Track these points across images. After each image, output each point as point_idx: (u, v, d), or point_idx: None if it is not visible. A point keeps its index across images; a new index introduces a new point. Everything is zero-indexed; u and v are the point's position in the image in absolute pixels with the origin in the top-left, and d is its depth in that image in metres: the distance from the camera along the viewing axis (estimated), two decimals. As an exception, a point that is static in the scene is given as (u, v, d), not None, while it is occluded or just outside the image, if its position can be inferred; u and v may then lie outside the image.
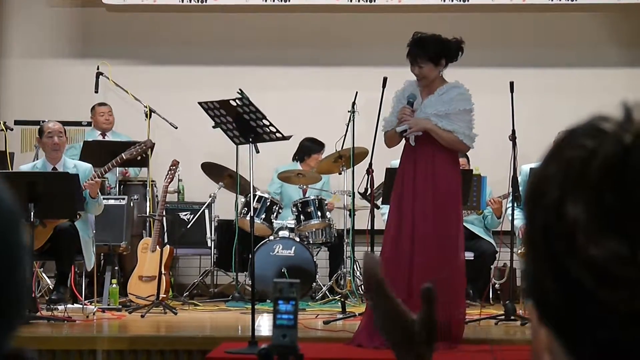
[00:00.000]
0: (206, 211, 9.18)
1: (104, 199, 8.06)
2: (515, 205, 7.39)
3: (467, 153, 9.11)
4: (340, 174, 8.87)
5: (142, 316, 7.33)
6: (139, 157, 8.09)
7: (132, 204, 8.75)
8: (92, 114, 9.66)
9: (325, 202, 8.86)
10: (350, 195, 8.31)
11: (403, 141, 6.04)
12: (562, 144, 0.90)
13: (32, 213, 6.78)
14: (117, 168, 8.68)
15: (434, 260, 5.76)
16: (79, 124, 9.61)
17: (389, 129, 6.05)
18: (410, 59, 5.98)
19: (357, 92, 8.29)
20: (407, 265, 5.76)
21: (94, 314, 7.23)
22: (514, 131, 7.33)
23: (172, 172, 8.30)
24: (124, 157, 7.83)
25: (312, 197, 8.84)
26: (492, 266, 8.74)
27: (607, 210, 0.84)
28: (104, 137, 9.52)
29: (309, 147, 9.47)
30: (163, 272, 7.96)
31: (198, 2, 10.16)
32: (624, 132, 0.87)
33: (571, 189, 0.86)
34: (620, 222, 0.84)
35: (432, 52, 5.95)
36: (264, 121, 6.32)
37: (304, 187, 9.19)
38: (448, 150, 5.99)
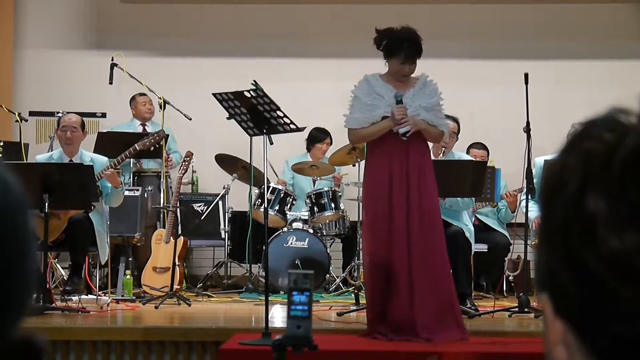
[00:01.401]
0: (220, 202, 9.19)
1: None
2: (529, 197, 7.36)
3: (487, 145, 9.10)
4: (354, 165, 8.87)
5: (156, 307, 7.34)
6: (152, 148, 8.10)
7: (146, 195, 8.77)
8: (133, 105, 9.62)
9: (339, 193, 8.84)
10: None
11: (382, 136, 5.99)
12: (580, 136, 0.90)
13: (46, 204, 6.80)
14: (132, 159, 8.71)
15: (430, 247, 5.82)
16: (93, 115, 9.61)
17: (363, 126, 5.95)
18: (407, 56, 5.92)
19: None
20: (406, 255, 5.79)
21: (108, 304, 7.25)
22: (528, 123, 7.30)
23: (186, 163, 8.31)
24: (137, 148, 7.84)
25: (326, 189, 8.83)
26: (505, 258, 8.74)
27: (629, 204, 0.84)
28: (144, 129, 9.48)
29: (314, 136, 9.44)
30: (177, 263, 7.97)
31: (212, -7, 10.18)
32: None
33: (592, 182, 0.86)
34: (639, 218, 0.83)
35: (420, 50, 5.99)
36: (278, 112, 6.32)
37: (316, 178, 9.20)
38: (427, 143, 6.13)
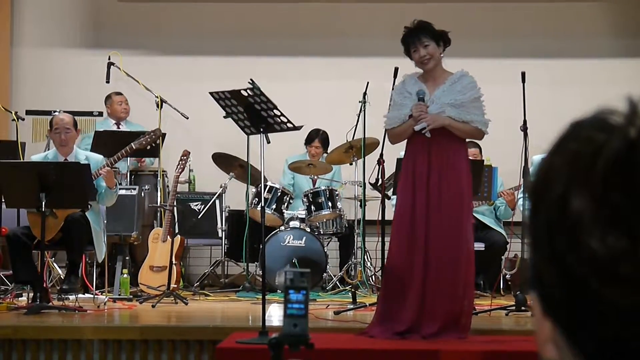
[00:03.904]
0: (217, 201, 9.19)
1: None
2: (526, 196, 7.37)
3: (479, 143, 9.12)
4: (351, 164, 8.87)
5: (153, 306, 7.34)
6: (148, 147, 8.09)
7: (143, 194, 8.77)
8: (109, 103, 9.67)
9: (336, 192, 8.85)
10: (361, 186, 8.30)
11: (411, 136, 5.96)
12: (567, 137, 0.90)
13: (43, 203, 6.79)
14: (130, 158, 8.71)
15: (448, 253, 5.74)
16: (90, 114, 9.62)
17: (394, 126, 5.94)
18: (412, 41, 5.90)
19: (368, 83, 8.27)
20: (422, 259, 5.73)
21: (105, 303, 7.25)
22: (525, 122, 7.30)
23: (183, 162, 8.31)
24: (134, 147, 7.83)
25: (323, 188, 8.84)
26: (502, 257, 8.74)
27: (611, 206, 0.84)
28: (118, 127, 9.52)
29: (309, 136, 9.45)
30: (174, 262, 7.97)
31: (209, -8, 10.17)
32: (630, 126, 0.86)
33: (576, 183, 0.86)
34: (624, 218, 0.83)
35: (434, 32, 5.94)
36: (275, 111, 6.31)
37: (314, 177, 9.20)
38: (461, 141, 5.95)
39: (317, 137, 9.40)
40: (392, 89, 6.16)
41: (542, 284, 0.89)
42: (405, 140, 5.98)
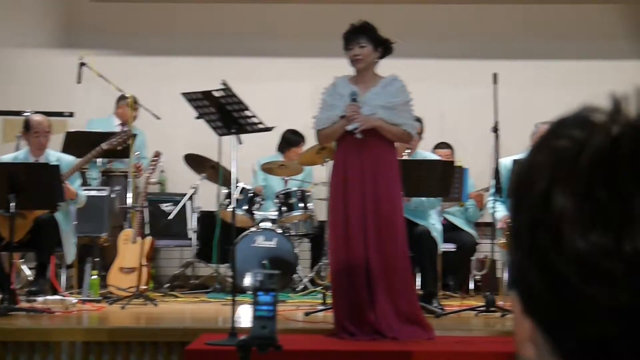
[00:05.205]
0: (188, 202, 9.16)
1: (85, 189, 8.05)
2: (496, 197, 7.40)
3: (452, 145, 9.15)
4: (323, 165, 8.86)
5: (122, 308, 7.31)
6: (119, 147, 8.05)
7: (113, 195, 8.72)
8: (121, 104, 9.44)
9: (308, 193, 8.85)
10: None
11: (342, 136, 6.01)
12: (550, 134, 0.89)
13: (12, 204, 6.75)
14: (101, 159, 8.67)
15: (388, 251, 5.81)
16: (60, 114, 9.56)
17: (324, 126, 6.02)
18: (351, 38, 6.00)
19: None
20: (363, 260, 5.80)
21: (74, 305, 7.20)
22: (496, 123, 7.32)
23: (154, 163, 8.28)
24: (104, 148, 7.80)
25: (295, 189, 8.84)
26: (472, 258, 8.77)
27: (595, 203, 0.84)
28: (122, 128, 9.35)
29: (290, 139, 9.48)
30: (144, 263, 7.93)
31: (181, -8, 10.14)
32: (613, 124, 0.86)
33: (560, 180, 0.85)
34: (607, 215, 0.83)
35: (374, 36, 6.03)
36: (247, 112, 6.31)
37: (286, 178, 9.19)
38: (391, 143, 6.05)
39: (303, 138, 9.37)
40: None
41: (523, 282, 0.89)
42: None
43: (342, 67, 6.15)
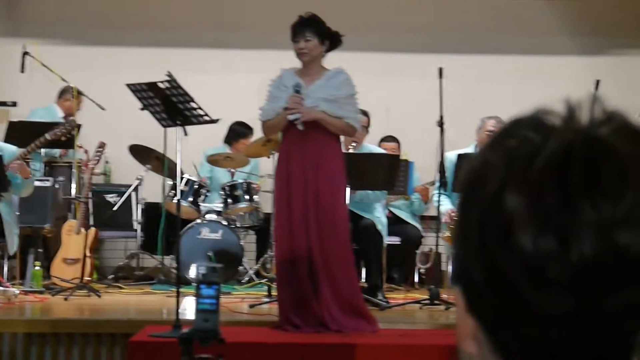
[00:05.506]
0: (133, 193, 9.10)
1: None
2: (441, 191, 7.45)
3: (398, 138, 9.19)
4: (269, 157, 8.85)
5: (66, 299, 7.25)
6: (63, 138, 7.97)
7: (57, 186, 8.64)
8: (65, 97, 9.30)
9: (254, 185, 8.84)
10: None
11: (286, 129, 6.03)
12: (505, 133, 0.90)
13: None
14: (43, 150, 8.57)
15: (329, 244, 5.83)
16: (3, 104, 9.45)
17: (269, 118, 6.05)
18: (298, 31, 6.01)
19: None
20: (306, 252, 5.81)
21: (16, 296, 7.13)
22: (441, 117, 7.36)
23: (99, 153, 8.21)
24: (48, 138, 7.72)
25: (241, 181, 8.82)
26: (417, 251, 8.82)
27: (545, 208, 0.84)
28: (65, 118, 9.24)
29: (237, 132, 9.46)
30: (87, 254, 7.88)
31: (128, -18, 10.06)
32: (567, 129, 0.87)
33: (513, 181, 0.86)
34: (557, 221, 0.84)
35: (320, 30, 6.03)
36: (192, 104, 6.28)
37: (232, 170, 9.17)
38: (335, 137, 6.06)
39: (252, 130, 9.34)
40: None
41: (467, 279, 0.89)
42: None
43: (292, 59, 6.15)
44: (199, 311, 3.44)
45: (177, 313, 5.62)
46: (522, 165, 0.86)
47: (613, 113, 0.89)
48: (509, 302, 0.86)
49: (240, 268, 8.52)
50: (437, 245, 7.57)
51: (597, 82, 7.53)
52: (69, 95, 9.22)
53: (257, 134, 8.98)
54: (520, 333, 0.86)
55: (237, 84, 10.15)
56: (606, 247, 0.83)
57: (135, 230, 9.07)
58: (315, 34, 6.00)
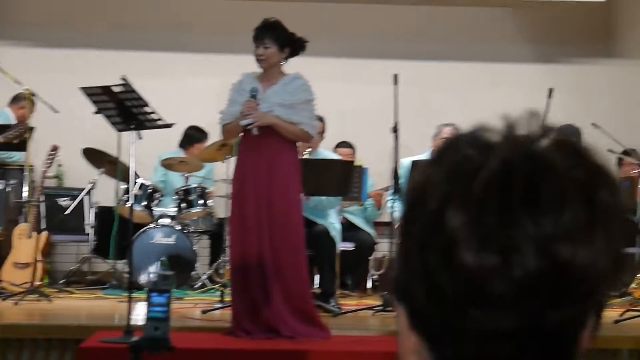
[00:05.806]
0: (86, 197, 9.03)
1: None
2: (395, 197, 7.47)
3: (354, 144, 9.20)
4: (223, 162, 8.82)
5: (16, 304, 7.18)
6: (15, 141, 7.89)
7: (8, 189, 8.55)
8: (21, 104, 9.18)
9: (207, 190, 8.81)
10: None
11: (243, 133, 6.04)
12: (446, 151, 0.90)
13: None
14: None
15: (281, 250, 5.84)
16: (-45, 105, 9.33)
17: (228, 122, 6.06)
18: (257, 36, 6.02)
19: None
20: (259, 258, 5.81)
21: (-35, 301, 7.05)
22: (396, 123, 7.38)
23: (52, 157, 8.14)
24: (0, 141, 7.63)
25: (195, 185, 8.78)
26: (370, 257, 8.83)
27: (487, 227, 0.84)
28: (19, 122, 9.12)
29: (192, 136, 9.43)
30: (39, 258, 7.80)
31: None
32: (507, 147, 0.87)
33: (454, 200, 0.86)
34: (498, 237, 0.84)
35: (280, 37, 6.02)
36: (147, 108, 6.25)
37: (186, 174, 9.12)
38: (291, 142, 6.06)
39: (207, 134, 9.31)
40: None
41: (410, 297, 0.89)
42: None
43: (252, 63, 6.14)
44: (149, 319, 3.42)
45: (129, 318, 5.58)
46: (462, 183, 0.86)
47: (549, 127, 0.89)
48: (451, 319, 0.86)
49: (193, 273, 8.49)
50: (390, 251, 7.59)
51: (551, 90, 7.58)
52: (24, 103, 9.13)
53: (212, 138, 8.96)
54: (462, 350, 0.86)
55: (195, 87, 10.12)
56: (548, 262, 0.84)
57: (88, 235, 9.01)
58: (275, 40, 5.99)
